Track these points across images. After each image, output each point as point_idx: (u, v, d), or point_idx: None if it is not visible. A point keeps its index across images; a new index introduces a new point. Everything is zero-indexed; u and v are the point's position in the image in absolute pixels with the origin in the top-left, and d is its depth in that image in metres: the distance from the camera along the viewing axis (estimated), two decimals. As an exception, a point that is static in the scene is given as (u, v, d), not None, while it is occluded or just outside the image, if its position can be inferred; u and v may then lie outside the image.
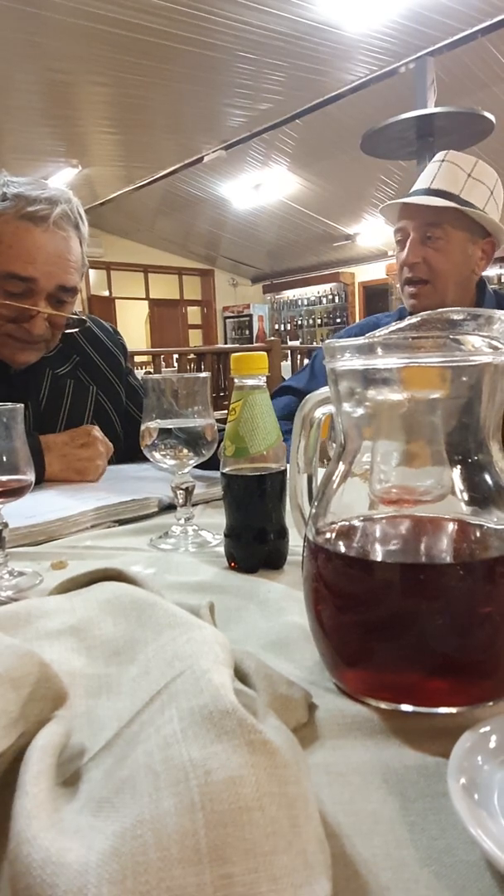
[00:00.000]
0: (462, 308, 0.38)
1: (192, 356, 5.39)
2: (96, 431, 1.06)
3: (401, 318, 1.38)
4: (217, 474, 0.65)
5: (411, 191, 1.40)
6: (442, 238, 1.33)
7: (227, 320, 11.55)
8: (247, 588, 0.57)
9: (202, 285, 11.47)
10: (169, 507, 0.86)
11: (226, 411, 0.64)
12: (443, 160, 1.37)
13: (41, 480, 0.98)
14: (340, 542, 0.40)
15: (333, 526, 0.41)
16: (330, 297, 10.97)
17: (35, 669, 0.31)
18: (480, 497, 0.39)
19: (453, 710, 0.36)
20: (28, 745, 0.27)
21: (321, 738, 0.35)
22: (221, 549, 0.66)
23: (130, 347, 1.47)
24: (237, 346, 9.23)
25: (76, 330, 1.15)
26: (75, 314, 1.12)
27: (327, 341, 0.40)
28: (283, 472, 0.62)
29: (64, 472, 1.00)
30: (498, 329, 0.37)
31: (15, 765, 0.27)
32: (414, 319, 0.39)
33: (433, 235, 1.34)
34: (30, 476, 0.63)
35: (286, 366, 5.38)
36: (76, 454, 1.02)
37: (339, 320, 10.79)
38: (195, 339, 11.19)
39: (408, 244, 1.37)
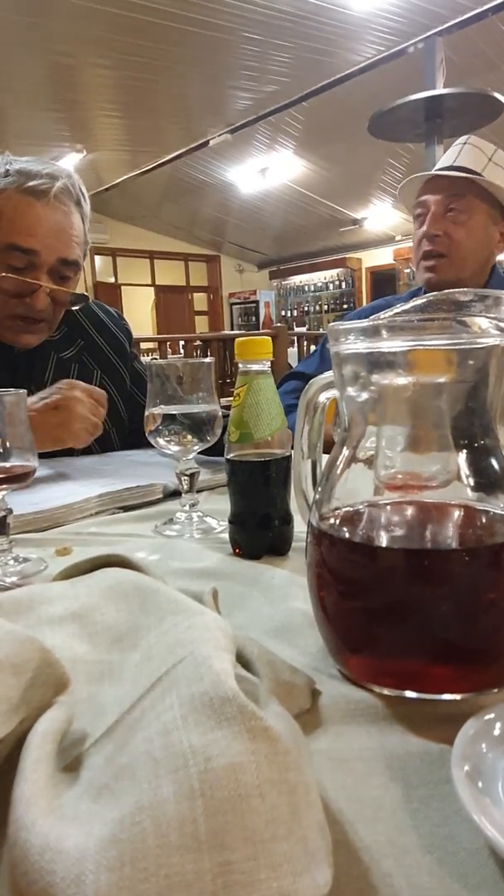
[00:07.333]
0: (469, 289, 0.37)
1: (197, 343, 5.38)
2: (76, 391, 0.95)
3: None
4: (222, 460, 0.65)
5: (434, 169, 1.41)
6: (464, 211, 1.33)
7: (234, 307, 11.49)
8: (251, 574, 0.57)
9: (208, 271, 11.40)
10: (174, 494, 0.85)
11: (232, 397, 0.63)
12: (465, 142, 1.38)
13: None
14: (344, 528, 0.40)
15: (337, 512, 0.40)
16: (337, 282, 10.89)
17: (36, 655, 0.31)
18: (486, 482, 0.39)
19: (457, 696, 0.36)
20: (29, 732, 0.27)
21: (324, 724, 0.35)
22: (226, 536, 0.66)
23: (136, 334, 1.47)
24: (243, 332, 9.20)
25: (79, 307, 1.15)
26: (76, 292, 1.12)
27: (332, 324, 0.39)
28: (288, 458, 0.62)
29: (40, 446, 0.82)
30: (506, 311, 0.36)
31: (16, 751, 0.27)
32: (419, 301, 0.38)
33: (456, 208, 1.33)
34: (34, 462, 0.63)
35: (293, 352, 5.35)
36: (46, 421, 0.91)
37: (346, 306, 10.72)
38: (201, 325, 11.15)
39: (428, 217, 1.36)
